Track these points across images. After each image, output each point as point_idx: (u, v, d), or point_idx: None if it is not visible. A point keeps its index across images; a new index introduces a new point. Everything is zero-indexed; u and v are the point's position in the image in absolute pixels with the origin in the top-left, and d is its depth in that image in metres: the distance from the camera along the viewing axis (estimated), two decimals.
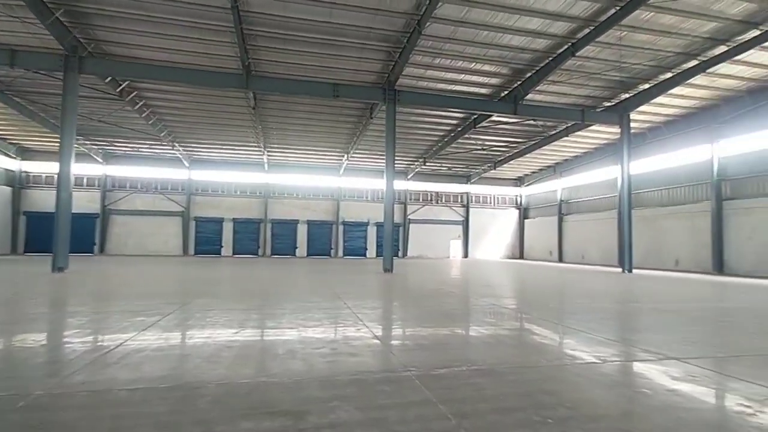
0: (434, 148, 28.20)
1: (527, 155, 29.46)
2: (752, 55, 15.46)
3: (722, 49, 15.31)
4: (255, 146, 28.13)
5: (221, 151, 29.67)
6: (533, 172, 36.18)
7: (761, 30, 14.02)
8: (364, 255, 34.19)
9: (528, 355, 4.62)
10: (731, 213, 19.96)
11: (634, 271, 20.12)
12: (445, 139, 26.24)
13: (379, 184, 33.57)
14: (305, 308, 7.28)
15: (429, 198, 36.69)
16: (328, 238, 33.86)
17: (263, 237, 32.78)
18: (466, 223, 37.15)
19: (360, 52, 15.91)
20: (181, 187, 31.82)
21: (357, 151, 28.71)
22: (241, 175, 32.80)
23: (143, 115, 21.57)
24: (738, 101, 19.45)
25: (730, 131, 20.12)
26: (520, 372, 3.90)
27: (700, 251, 21.19)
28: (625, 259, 20.09)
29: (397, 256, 33.56)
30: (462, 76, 17.95)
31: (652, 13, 13.55)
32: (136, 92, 19.56)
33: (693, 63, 16.39)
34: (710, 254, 20.50)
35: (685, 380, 3.75)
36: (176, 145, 27.54)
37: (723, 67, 16.49)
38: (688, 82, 17.43)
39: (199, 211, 31.98)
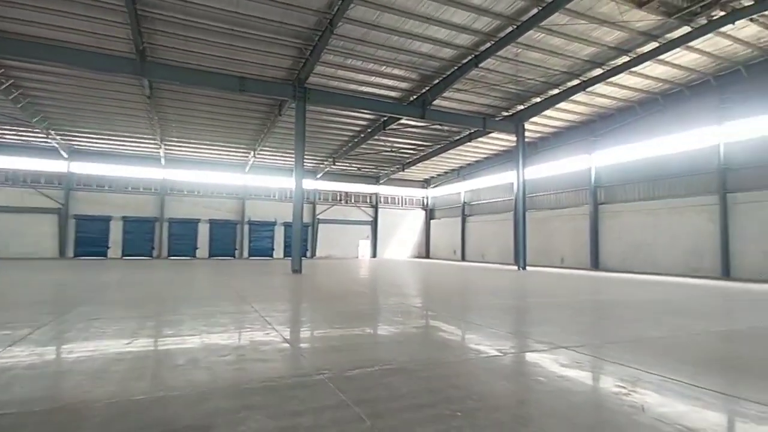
0: (344, 148, 28.23)
1: (434, 158, 30.84)
2: (622, 78, 17.87)
3: (599, 71, 17.45)
4: (150, 139, 25.65)
5: (109, 142, 26.54)
6: (439, 175, 37.95)
7: (629, 56, 16.24)
8: (271, 256, 33.06)
9: (437, 351, 4.78)
10: (605, 216, 22.84)
11: (527, 268, 22.05)
12: (355, 140, 26.40)
13: (287, 182, 32.71)
14: (208, 313, 6.77)
15: (338, 198, 36.64)
16: (233, 239, 32.12)
17: (159, 237, 30.03)
18: (374, 223, 37.75)
19: (269, 46, 15.32)
20: (57, 180, 27.83)
21: (265, 149, 27.66)
22: (133, 170, 29.63)
23: (10, 97, 18.49)
24: (610, 118, 22.36)
25: (604, 144, 23.03)
26: (430, 369, 4.01)
27: (580, 250, 23.92)
28: (520, 257, 21.94)
29: (305, 256, 32.95)
30: (373, 79, 18.19)
31: (543, 35, 14.96)
32: (2, 70, 16.70)
33: (576, 82, 18.46)
34: (588, 252, 23.25)
35: (573, 367, 4.16)
36: (52, 132, 24.04)
37: (599, 88, 18.82)
38: (571, 98, 19.60)
39: (80, 209, 28.25)
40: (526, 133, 23.39)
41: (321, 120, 22.75)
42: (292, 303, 8.89)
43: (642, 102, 20.61)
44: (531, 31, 14.36)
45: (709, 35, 14.49)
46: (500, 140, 26.91)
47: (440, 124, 22.54)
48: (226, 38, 14.71)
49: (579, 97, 19.71)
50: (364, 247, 37.48)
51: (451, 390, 3.39)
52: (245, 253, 32.28)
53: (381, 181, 37.64)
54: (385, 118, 22.48)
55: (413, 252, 39.54)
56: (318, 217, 35.38)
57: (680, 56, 16.30)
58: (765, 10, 12.73)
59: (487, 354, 4.63)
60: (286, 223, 32.59)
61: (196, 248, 30.79)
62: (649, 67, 17.08)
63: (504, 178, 30.06)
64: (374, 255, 37.38)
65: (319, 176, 34.55)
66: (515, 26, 14.35)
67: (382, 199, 38.48)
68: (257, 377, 3.63)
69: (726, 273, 17.25)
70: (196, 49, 15.33)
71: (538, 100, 20.63)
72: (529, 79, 18.30)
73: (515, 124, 22.19)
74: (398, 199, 39.47)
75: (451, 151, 28.86)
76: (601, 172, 23.27)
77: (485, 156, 31.39)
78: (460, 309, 8.25)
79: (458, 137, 26.43)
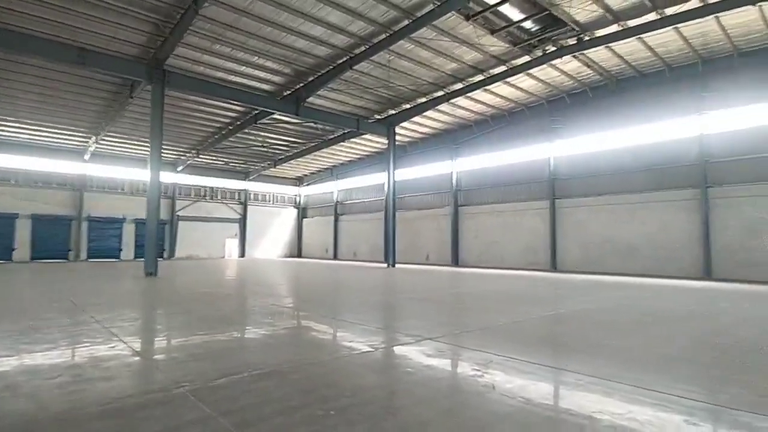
0: (210, 140, 26.19)
1: (307, 156, 30.53)
2: (478, 94, 19.97)
3: (460, 85, 19.25)
4: None
5: None
6: (312, 173, 37.71)
7: (484, 75, 18.24)
8: (118, 257, 28.97)
9: (309, 351, 4.71)
10: (464, 217, 25.26)
11: (396, 265, 23.22)
12: (223, 132, 24.70)
13: (140, 174, 29.03)
14: (29, 329, 5.61)
15: (202, 193, 33.87)
16: (66, 237, 27.24)
17: None
18: (243, 221, 35.85)
19: (120, 17, 13.38)
20: None
21: (111, 135, 24.10)
22: None
23: None
24: (469, 129, 24.82)
25: (464, 152, 25.49)
26: (303, 369, 3.93)
27: (444, 248, 26.06)
28: (389, 255, 22.98)
29: (162, 257, 29.69)
30: (244, 68, 17.23)
31: (413, 46, 15.91)
32: None
33: (441, 93, 20.06)
34: (450, 250, 25.46)
35: (436, 356, 4.48)
36: None
37: (460, 100, 20.76)
38: (437, 108, 21.26)
39: None
40: (397, 137, 24.61)
41: (183, 107, 20.73)
42: (144, 310, 7.89)
43: (494, 116, 23.33)
44: (402, 41, 15.15)
45: (544, 66, 17.07)
46: (373, 142, 27.86)
47: (314, 122, 22.40)
48: (65, 0, 12.42)
49: (444, 107, 21.46)
50: (232, 246, 35.31)
51: (324, 389, 3.37)
52: (83, 254, 27.68)
53: (251, 177, 35.88)
54: (257, 112, 21.48)
55: (285, 251, 38.57)
56: (178, 214, 32.16)
57: (522, 81, 18.87)
58: (583, 50, 15.50)
59: (360, 350, 4.71)
60: (138, 220, 28.89)
61: (13, 249, 25.38)
62: (499, 87, 19.42)
63: (376, 178, 31.17)
64: (243, 254, 35.46)
65: (180, 169, 31.42)
66: (388, 34, 14.97)
67: (252, 196, 36.69)
68: (99, 399, 3.12)
69: (554, 266, 20.53)
70: (21, 8, 12.62)
71: (408, 106, 21.87)
72: (400, 85, 19.27)
73: (387, 127, 23.18)
74: (269, 196, 38.09)
75: (325, 150, 28.89)
76: (461, 177, 25.67)
77: (358, 156, 32.16)
78: (332, 307, 8.29)
79: (332, 136, 26.59)
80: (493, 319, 6.70)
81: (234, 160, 31.85)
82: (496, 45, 15.76)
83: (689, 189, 16.94)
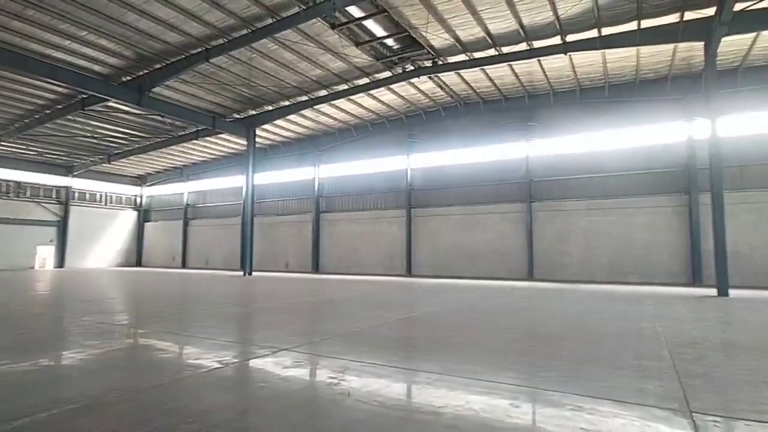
0: (18, 125, 21.51)
1: (152, 153, 27.23)
2: (342, 103, 20.37)
3: (324, 92, 19.37)
4: None
5: None
6: (158, 172, 33.78)
7: (348, 85, 18.67)
8: None
9: (147, 375, 4.10)
10: (326, 223, 25.35)
11: (253, 273, 22.08)
12: (37, 116, 20.52)
13: None
14: None
15: (4, 189, 27.56)
16: None
17: None
18: (63, 225, 30.20)
19: None
20: None
21: None
22: None
23: None
24: (333, 136, 25.11)
25: (327, 158, 25.66)
26: (136, 397, 3.38)
27: (304, 254, 25.72)
28: (246, 262, 21.76)
29: None
30: (68, 43, 14.59)
31: (277, 47, 15.47)
32: None
33: (305, 98, 19.90)
34: (311, 257, 25.24)
35: (293, 367, 4.32)
36: None
37: (324, 107, 20.89)
38: (301, 112, 21.01)
39: None
40: (259, 139, 23.61)
41: None
42: None
43: (357, 126, 24.04)
44: (266, 40, 14.62)
45: (403, 83, 18.27)
46: (231, 142, 26.22)
47: (161, 115, 20.09)
48: None
49: (308, 112, 21.33)
50: (47, 254, 29.43)
51: (161, 418, 2.94)
52: None
53: (76, 173, 30.47)
54: (86, 96, 18.36)
55: (121, 259, 33.67)
56: None
57: (384, 94, 19.89)
58: (438, 72, 17.03)
59: (208, 368, 4.28)
60: None
61: None
62: (363, 98, 20.13)
63: (233, 181, 29.37)
64: (62, 264, 29.82)
65: None
66: (250, 30, 14.29)
67: (76, 195, 31.17)
68: None
69: (409, 271, 21.94)
70: None
71: (271, 108, 21.17)
72: (262, 85, 18.55)
73: (247, 128, 22.06)
74: (102, 196, 32.87)
75: (174, 148, 26.17)
76: (324, 183, 25.76)
77: (214, 157, 29.91)
78: (178, 322, 7.43)
79: (183, 133, 24.25)
80: (351, 325, 6.79)
81: (52, 151, 26.69)
82: (360, 57, 16.30)
83: (518, 203, 19.86)
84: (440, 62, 16.59)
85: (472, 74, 17.80)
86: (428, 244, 21.81)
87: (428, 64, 16.88)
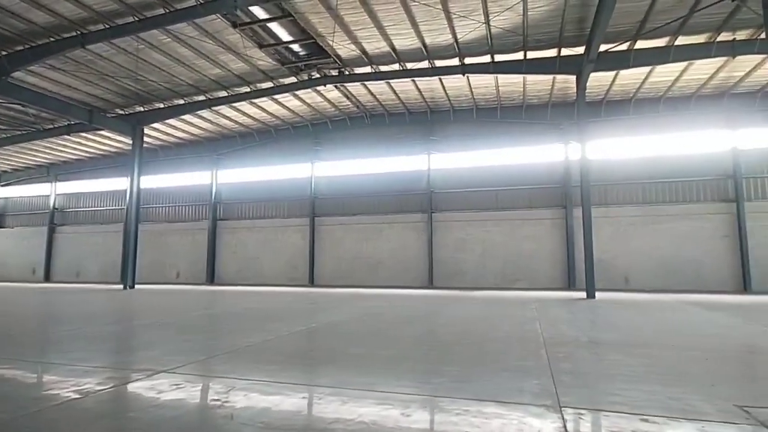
0: None
1: (9, 147, 23.34)
2: (244, 105, 19.46)
3: (224, 93, 18.33)
4: None
5: None
6: (16, 170, 29.10)
7: (251, 88, 17.90)
8: None
9: None
10: (224, 231, 23.86)
11: (137, 286, 19.88)
12: None
13: None
14: None
15: None
16: None
17: None
18: None
19: None
20: None
21: None
22: None
23: None
24: (233, 140, 23.84)
25: (227, 163, 24.27)
26: None
27: (198, 264, 23.88)
28: (128, 274, 19.54)
29: None
30: None
31: (170, 39, 14.30)
32: None
33: (202, 97, 18.63)
34: (206, 267, 23.51)
35: (171, 391, 3.86)
36: None
37: (224, 109, 19.77)
38: (198, 113, 19.63)
39: None
40: (148, 139, 21.57)
41: None
42: None
43: (260, 131, 23.15)
44: (157, 31, 13.42)
45: (309, 90, 18.05)
46: (113, 140, 23.56)
47: (22, 104, 17.35)
48: None
49: (205, 113, 20.00)
50: None
51: None
52: None
53: None
54: None
55: None
56: None
57: (289, 100, 19.45)
58: (344, 82, 17.08)
59: (63, 399, 3.64)
60: None
61: None
62: (266, 103, 19.45)
63: (115, 184, 26.37)
64: None
65: None
66: (137, 18, 13.01)
67: None
68: None
69: (312, 281, 21.51)
70: None
71: (162, 105, 19.47)
72: (151, 80, 16.98)
73: (133, 125, 19.99)
74: None
75: (39, 143, 22.78)
76: (222, 190, 24.30)
77: (91, 156, 26.62)
78: (32, 346, 6.33)
79: (51, 127, 21.18)
80: (244, 340, 6.35)
81: None
82: (264, 60, 15.74)
83: (420, 213, 20.63)
84: (347, 72, 16.71)
85: (378, 86, 18.22)
86: (332, 253, 21.64)
87: (335, 73, 16.89)
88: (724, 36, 13.37)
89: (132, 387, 4.00)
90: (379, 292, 16.61)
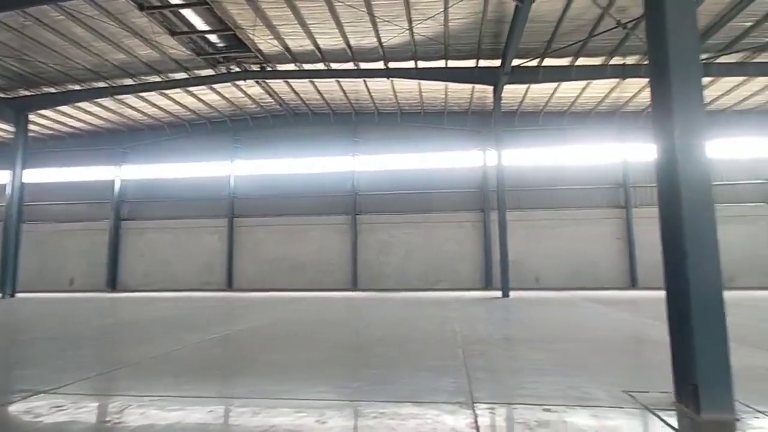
0: None
1: None
2: (154, 96, 17.96)
3: (130, 81, 16.76)
4: None
5: None
6: None
7: (162, 78, 16.57)
8: None
9: None
10: (129, 233, 21.80)
11: (19, 294, 17.44)
12: None
13: None
14: None
15: None
16: None
17: None
18: None
19: None
20: None
21: None
22: None
23: None
24: (141, 133, 21.92)
25: (132, 158, 22.22)
26: None
27: (97, 269, 21.57)
28: (8, 281, 17.06)
29: None
30: None
31: (63, 17, 12.77)
32: None
33: (103, 84, 16.88)
34: (106, 272, 21.30)
35: (49, 414, 3.36)
36: None
37: (130, 99, 18.07)
38: (98, 101, 17.73)
39: None
40: (35, 127, 19.09)
41: None
42: None
43: (172, 124, 21.54)
44: (47, 7, 11.91)
45: (228, 84, 17.15)
46: None
47: None
48: None
49: (108, 102, 18.16)
50: None
51: None
52: None
53: None
54: None
55: None
56: None
57: (206, 93, 18.32)
58: (266, 78, 16.47)
59: None
60: None
61: None
62: (179, 95, 18.14)
63: None
64: None
65: None
66: None
67: None
68: None
69: (230, 285, 20.43)
70: None
71: (54, 90, 17.34)
72: (41, 62, 15.06)
73: (16, 111, 17.57)
74: None
75: None
76: (127, 187, 22.24)
77: None
78: None
79: None
80: (147, 352, 5.79)
81: None
82: (177, 49, 14.66)
83: (344, 215, 20.51)
84: (269, 68, 16.13)
85: (302, 85, 17.83)
86: (253, 255, 20.75)
87: (256, 68, 16.22)
88: (616, 60, 15.00)
89: (1, 412, 3.42)
90: (302, 295, 16.20)
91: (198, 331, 7.48)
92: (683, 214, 3.30)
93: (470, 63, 15.43)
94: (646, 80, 15.48)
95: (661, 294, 3.80)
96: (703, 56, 12.04)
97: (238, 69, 16.21)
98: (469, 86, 17.23)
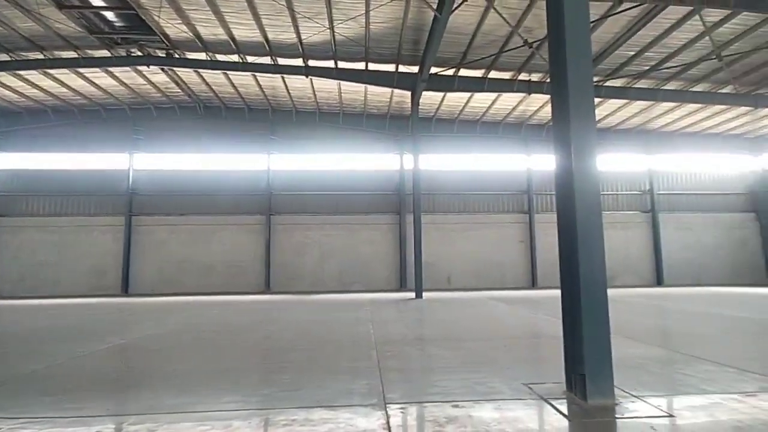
0: None
1: None
2: (35, 75, 15.75)
3: (6, 57, 14.54)
4: None
5: None
6: None
7: (45, 56, 14.58)
8: None
9: None
10: (1, 231, 18.85)
11: None
12: None
13: None
14: None
15: None
16: None
17: None
18: None
19: None
20: None
21: None
22: None
23: None
24: (19, 116, 19.11)
25: (5, 145, 19.27)
26: None
27: None
28: None
29: None
30: None
31: None
32: None
33: None
34: None
35: None
36: None
37: (6, 78, 15.69)
38: None
39: None
40: None
41: None
42: None
43: (58, 109, 19.09)
44: None
45: (128, 69, 15.60)
46: None
47: None
48: None
49: None
50: None
51: None
52: None
53: None
54: None
55: None
56: None
57: (101, 77, 16.48)
58: (173, 66, 15.24)
59: None
60: None
61: None
62: (67, 76, 16.12)
63: None
64: None
65: None
66: None
67: None
68: None
69: (126, 289, 18.57)
70: None
71: None
72: None
73: None
74: None
75: None
76: (2, 177, 19.28)
77: None
78: None
79: None
80: (22, 368, 5.01)
81: None
82: (64, 24, 13.00)
83: (258, 215, 19.70)
84: (176, 55, 14.95)
85: (214, 76, 16.80)
86: (154, 257, 19.05)
87: (161, 54, 14.94)
88: (523, 76, 16.24)
89: None
90: (211, 300, 15.23)
91: (88, 341, 6.65)
92: (577, 220, 3.63)
93: (390, 67, 15.70)
94: (548, 96, 16.97)
95: (558, 293, 4.15)
96: (595, 79, 13.53)
97: (140, 53, 14.79)
98: (388, 90, 17.53)
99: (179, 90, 18.01)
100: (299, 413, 3.21)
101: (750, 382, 3.91)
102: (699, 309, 10.21)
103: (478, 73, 15.83)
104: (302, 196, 20.10)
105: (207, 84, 17.39)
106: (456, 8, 11.36)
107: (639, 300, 13.00)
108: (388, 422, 3.02)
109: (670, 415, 3.11)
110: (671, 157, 21.71)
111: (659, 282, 20.63)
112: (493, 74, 15.93)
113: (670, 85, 16.35)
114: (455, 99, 18.55)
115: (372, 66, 15.64)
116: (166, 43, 14.17)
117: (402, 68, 15.69)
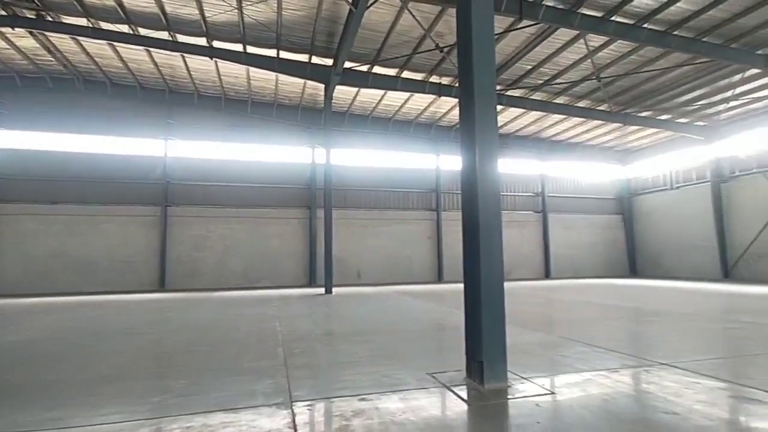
0: None
1: None
2: None
3: None
4: None
5: None
6: None
7: None
8: None
9: None
10: None
11: None
12: None
13: None
14: None
15: None
16: None
17: None
18: None
19: None
20: None
21: None
22: None
23: None
24: None
25: None
26: None
27: None
28: None
29: None
30: None
31: None
32: None
33: None
34: None
35: None
36: None
37: None
38: None
39: None
40: None
41: None
42: None
43: None
44: None
45: None
46: None
47: None
48: None
49: None
50: None
51: None
52: None
53: None
54: None
55: None
56: None
57: None
58: (44, 30, 13.21)
59: None
60: None
61: None
62: None
63: None
64: None
65: None
66: None
67: None
68: None
69: None
70: None
71: None
72: None
73: None
74: None
75: None
76: None
77: None
78: None
79: None
80: None
81: None
82: None
83: (151, 206, 17.98)
84: (49, 18, 12.97)
85: (98, 47, 14.86)
86: (17, 251, 16.41)
87: (30, 15, 12.86)
88: (434, 78, 16.86)
89: None
90: (93, 300, 13.56)
91: None
92: (479, 218, 3.85)
93: (303, 57, 15.26)
94: (457, 100, 17.84)
95: (462, 286, 4.36)
96: (497, 87, 14.56)
97: (3, 12, 12.56)
98: (301, 81, 17.05)
99: (52, 59, 15.69)
100: (196, 419, 2.98)
101: (614, 360, 4.50)
102: (577, 298, 11.55)
103: (392, 71, 16.11)
104: (204, 186, 18.77)
105: (88, 54, 15.34)
106: (371, 4, 11.41)
107: (529, 291, 14.32)
108: (294, 420, 2.94)
109: (552, 393, 3.46)
110: (559, 163, 24.20)
111: (547, 275, 22.95)
112: (406, 74, 16.32)
113: (560, 99, 18.18)
114: (369, 95, 18.68)
115: (284, 54, 15.09)
116: (37, 3, 12.23)
117: (315, 59, 15.38)
